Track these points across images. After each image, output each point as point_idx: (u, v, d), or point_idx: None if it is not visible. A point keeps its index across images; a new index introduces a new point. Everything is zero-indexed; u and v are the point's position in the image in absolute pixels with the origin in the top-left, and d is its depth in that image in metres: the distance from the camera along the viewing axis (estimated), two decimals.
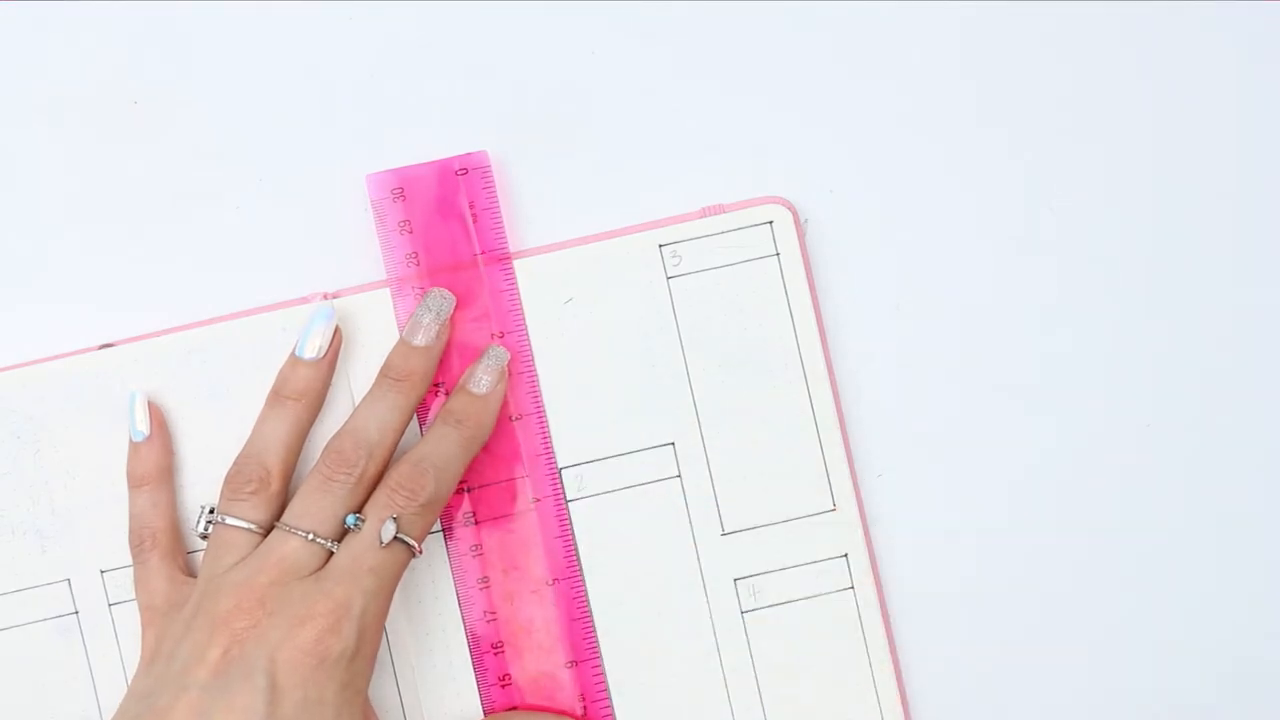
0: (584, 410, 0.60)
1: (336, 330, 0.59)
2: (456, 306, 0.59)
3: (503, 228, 0.60)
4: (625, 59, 0.62)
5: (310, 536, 0.55)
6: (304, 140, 0.62)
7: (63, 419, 0.60)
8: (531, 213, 0.61)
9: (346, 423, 0.58)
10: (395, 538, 0.55)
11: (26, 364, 0.60)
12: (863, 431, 0.61)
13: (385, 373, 0.58)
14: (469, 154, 0.60)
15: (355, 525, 0.56)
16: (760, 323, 0.60)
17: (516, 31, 0.62)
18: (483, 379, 0.59)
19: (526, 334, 0.60)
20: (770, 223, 0.60)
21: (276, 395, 0.58)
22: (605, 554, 0.60)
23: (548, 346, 0.60)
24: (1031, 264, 0.62)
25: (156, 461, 0.59)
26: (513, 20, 0.62)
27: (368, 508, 0.56)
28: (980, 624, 0.61)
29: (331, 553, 0.56)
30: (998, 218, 0.62)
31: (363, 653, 0.55)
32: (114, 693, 0.59)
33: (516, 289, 0.60)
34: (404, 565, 0.56)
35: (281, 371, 0.59)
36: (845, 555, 0.60)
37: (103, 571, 0.60)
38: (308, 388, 0.58)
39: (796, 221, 0.60)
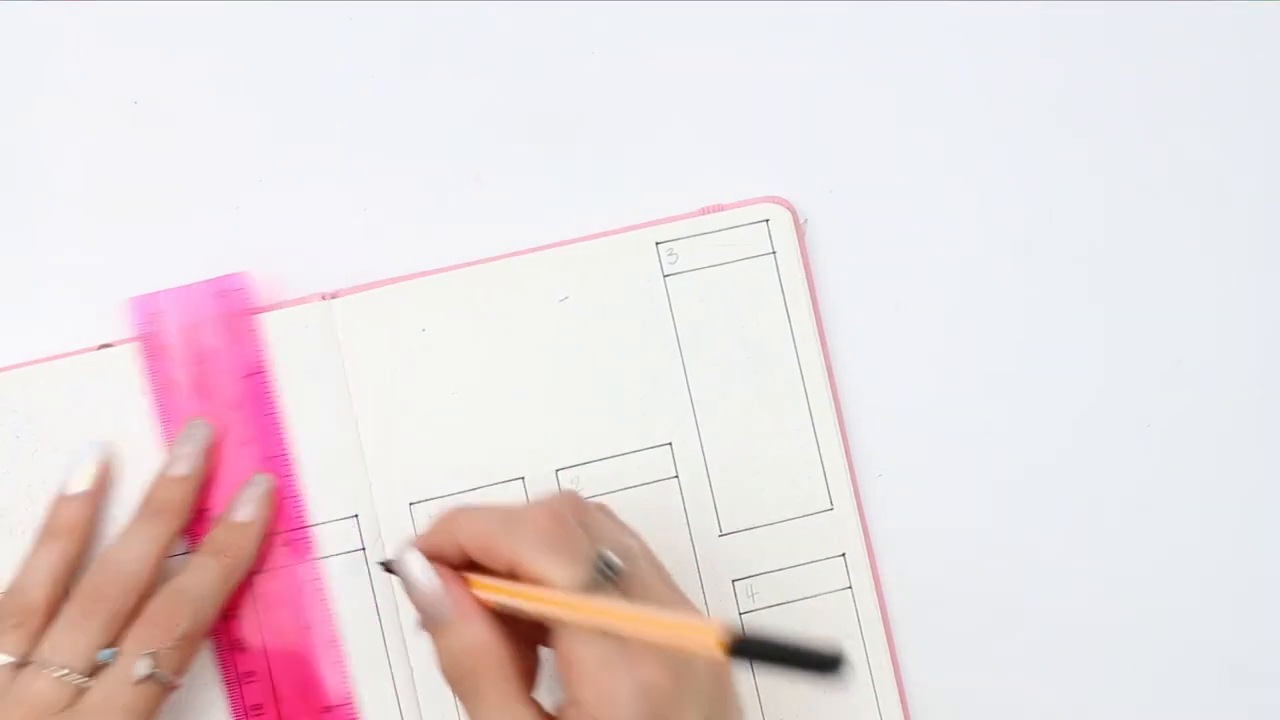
0: (580, 411, 0.60)
1: (105, 462, 0.59)
2: (220, 434, 0.59)
3: (258, 346, 0.59)
4: (624, 58, 0.62)
5: (64, 673, 0.54)
6: (304, 140, 0.62)
7: (62, 419, 0.60)
8: (528, 210, 0.61)
9: (103, 554, 0.57)
10: (150, 675, 0.54)
11: (26, 364, 0.60)
12: (861, 431, 0.61)
13: (145, 505, 0.58)
14: (225, 277, 0.60)
15: (110, 660, 0.55)
16: (757, 321, 0.60)
17: (517, 31, 0.62)
18: (244, 507, 0.58)
19: (288, 458, 0.60)
20: (767, 221, 0.60)
21: (46, 531, 0.58)
22: None
23: (543, 345, 0.60)
24: (1031, 264, 0.62)
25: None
26: (513, 20, 0.62)
27: (124, 642, 0.55)
28: (979, 623, 0.61)
29: (80, 689, 0.54)
30: (997, 217, 0.62)
31: None
32: None
33: (275, 410, 0.60)
34: (160, 701, 0.55)
35: (51, 508, 0.58)
36: (843, 555, 0.60)
37: None
38: (76, 521, 0.58)
39: (795, 220, 0.60)
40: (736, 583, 0.60)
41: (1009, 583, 0.61)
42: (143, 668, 0.54)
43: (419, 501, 0.60)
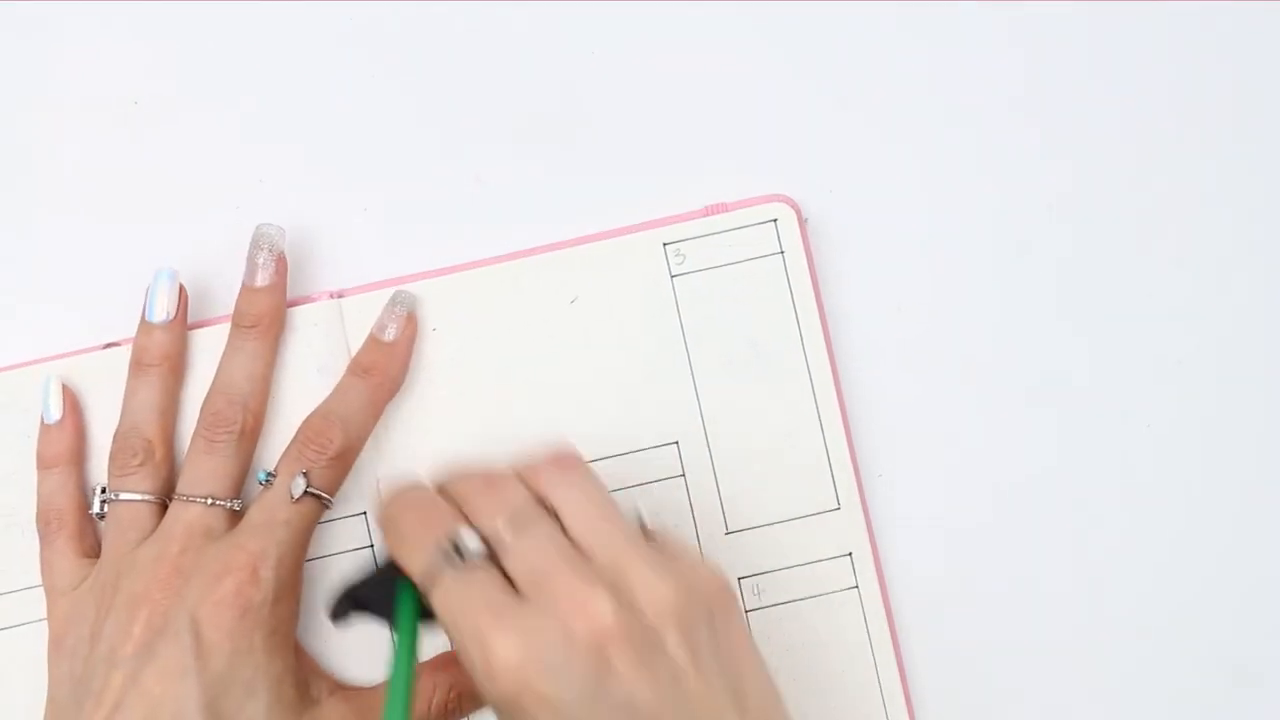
0: (588, 409, 0.60)
1: (182, 289, 0.59)
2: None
3: None
4: (625, 58, 0.62)
5: (209, 501, 0.56)
6: (304, 140, 0.62)
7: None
8: (535, 212, 0.62)
9: (214, 382, 0.58)
10: (306, 492, 0.56)
11: (31, 363, 0.60)
12: (867, 430, 0.61)
13: (237, 321, 0.58)
14: None
15: (266, 481, 0.56)
16: (764, 321, 0.61)
17: (518, 31, 0.62)
18: (388, 326, 0.59)
19: None
20: (774, 221, 0.60)
21: (138, 364, 0.58)
22: None
23: (552, 346, 0.60)
24: (1032, 263, 0.62)
25: (67, 444, 0.59)
26: (514, 20, 0.62)
27: (279, 463, 0.57)
28: (984, 622, 0.61)
29: (234, 512, 0.56)
30: (999, 217, 0.62)
31: (284, 599, 0.55)
32: None
33: None
34: (316, 517, 0.57)
35: (137, 340, 0.59)
36: (849, 554, 0.60)
37: None
38: (167, 351, 0.58)
39: (799, 219, 0.61)
40: (743, 580, 0.60)
41: (1013, 581, 0.62)
42: (300, 485, 0.56)
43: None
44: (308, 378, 0.60)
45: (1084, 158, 0.63)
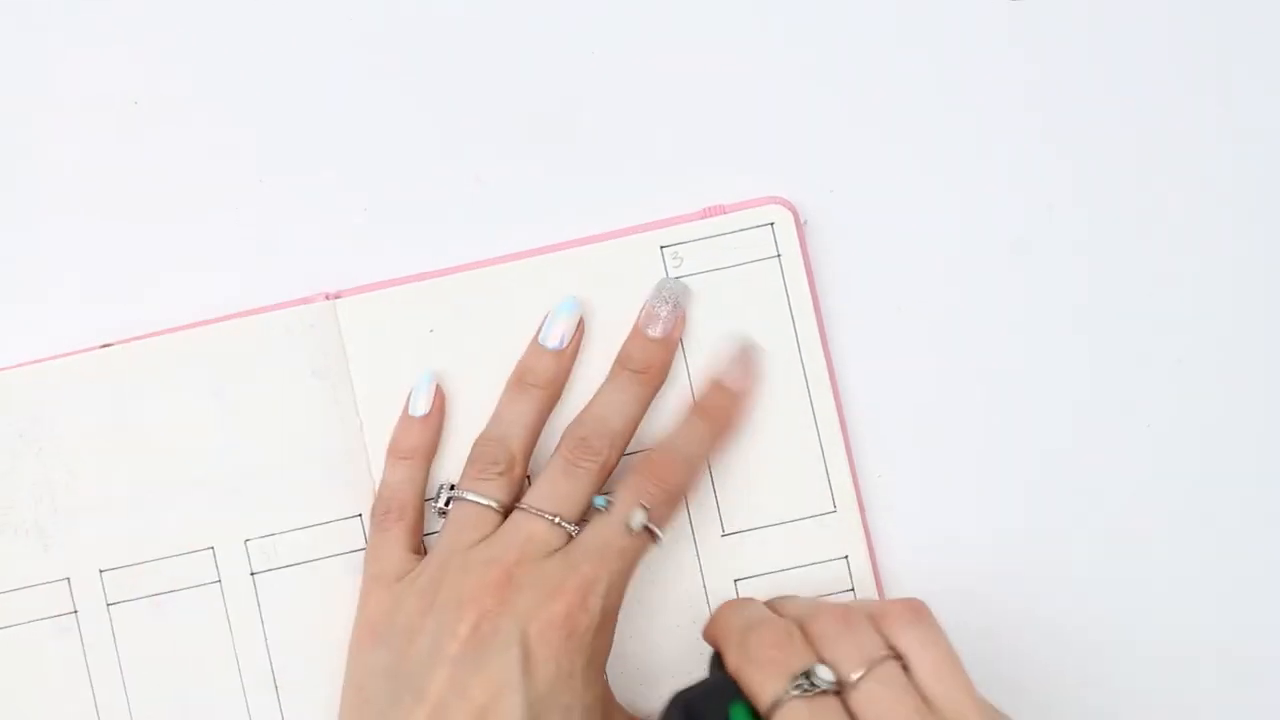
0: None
1: (580, 321, 0.60)
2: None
3: None
4: (624, 58, 0.62)
5: (555, 519, 0.56)
6: (304, 140, 0.62)
7: (65, 418, 0.60)
8: (532, 213, 0.61)
9: (587, 409, 0.58)
10: (644, 525, 0.56)
11: (29, 363, 0.60)
12: (863, 433, 0.61)
13: (625, 364, 0.59)
14: None
15: (604, 507, 0.56)
16: (761, 324, 0.60)
17: (518, 32, 0.62)
18: (736, 374, 0.60)
19: None
20: (771, 224, 0.60)
21: (520, 382, 0.59)
22: None
23: None
24: (1031, 264, 0.62)
25: (428, 440, 0.59)
26: (514, 21, 0.62)
27: (618, 491, 0.57)
28: (980, 625, 0.61)
29: (571, 535, 0.56)
30: (998, 219, 0.62)
31: (605, 628, 0.55)
32: (110, 692, 0.59)
33: None
34: (644, 552, 0.57)
35: (525, 360, 0.59)
36: (846, 557, 0.60)
37: (102, 571, 0.59)
38: (552, 377, 0.59)
39: (797, 222, 0.61)
40: (739, 582, 0.60)
41: (1010, 583, 0.61)
42: (639, 518, 0.56)
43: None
44: (303, 380, 0.60)
45: (1084, 158, 0.62)
